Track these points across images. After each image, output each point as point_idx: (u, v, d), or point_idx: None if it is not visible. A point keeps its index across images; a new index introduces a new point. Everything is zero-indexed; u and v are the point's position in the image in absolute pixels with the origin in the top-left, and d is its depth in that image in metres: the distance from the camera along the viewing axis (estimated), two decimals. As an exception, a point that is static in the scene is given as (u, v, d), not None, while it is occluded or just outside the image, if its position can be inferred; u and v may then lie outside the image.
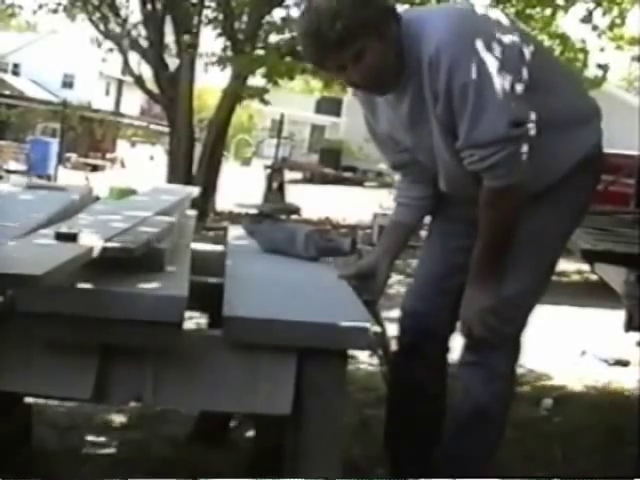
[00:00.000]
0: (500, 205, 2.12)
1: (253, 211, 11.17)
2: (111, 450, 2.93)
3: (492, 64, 2.03)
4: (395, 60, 2.10)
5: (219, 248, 2.83)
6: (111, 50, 14.32)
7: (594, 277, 5.03)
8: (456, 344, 2.45)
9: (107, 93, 38.40)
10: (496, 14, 2.19)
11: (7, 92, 29.29)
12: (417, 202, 2.43)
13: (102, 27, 13.97)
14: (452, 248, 2.25)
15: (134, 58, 14.38)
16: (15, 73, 36.52)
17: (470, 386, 2.30)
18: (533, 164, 2.09)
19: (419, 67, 2.08)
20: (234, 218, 11.65)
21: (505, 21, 2.18)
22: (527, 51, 2.14)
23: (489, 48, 2.05)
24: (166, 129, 16.12)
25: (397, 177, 2.54)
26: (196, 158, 13.20)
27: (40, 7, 14.30)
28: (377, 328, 1.90)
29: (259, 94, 12.72)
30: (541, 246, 2.27)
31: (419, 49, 2.08)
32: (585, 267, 4.62)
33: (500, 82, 2.03)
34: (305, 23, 2.08)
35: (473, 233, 2.18)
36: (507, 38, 2.10)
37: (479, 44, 2.04)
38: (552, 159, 2.18)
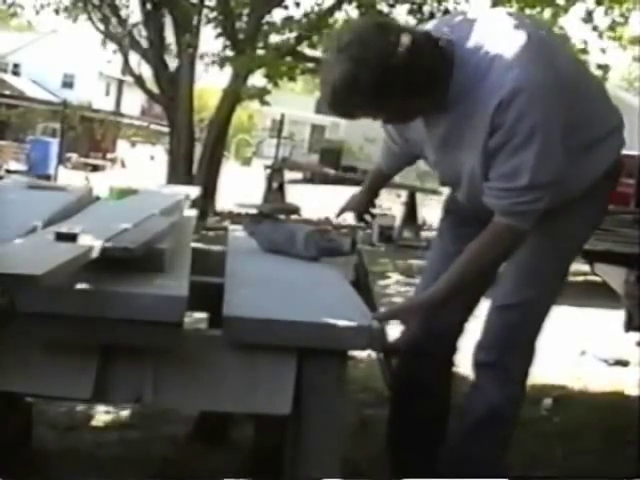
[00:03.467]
0: (508, 245, 2.11)
1: (253, 211, 11.16)
2: (111, 450, 2.93)
3: (557, 110, 2.02)
4: (432, 100, 2.04)
5: (219, 248, 2.83)
6: (115, 52, 14.32)
7: (594, 277, 5.02)
8: (464, 345, 2.45)
9: (107, 93, 38.38)
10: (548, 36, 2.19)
11: (7, 92, 29.27)
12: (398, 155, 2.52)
13: (102, 27, 13.98)
14: (463, 250, 2.24)
15: (134, 58, 14.39)
16: (15, 73, 36.50)
17: (484, 387, 2.30)
18: (565, 179, 2.08)
19: (474, 101, 2.02)
20: (234, 218, 11.64)
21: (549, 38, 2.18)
22: (568, 74, 2.11)
23: (555, 93, 2.02)
24: (166, 129, 16.12)
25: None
26: (196, 158, 13.20)
27: (42, 7, 14.32)
28: (376, 324, 1.90)
29: (260, 95, 12.72)
30: (563, 251, 2.30)
31: (481, 85, 2.01)
32: (585, 267, 4.61)
33: (559, 128, 2.03)
34: (343, 71, 1.92)
35: None
36: (561, 71, 2.07)
37: (552, 89, 2.01)
38: (584, 172, 2.19)
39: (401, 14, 12.47)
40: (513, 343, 2.28)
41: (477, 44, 2.05)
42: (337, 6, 12.54)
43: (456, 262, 2.12)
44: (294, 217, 3.00)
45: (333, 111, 2.02)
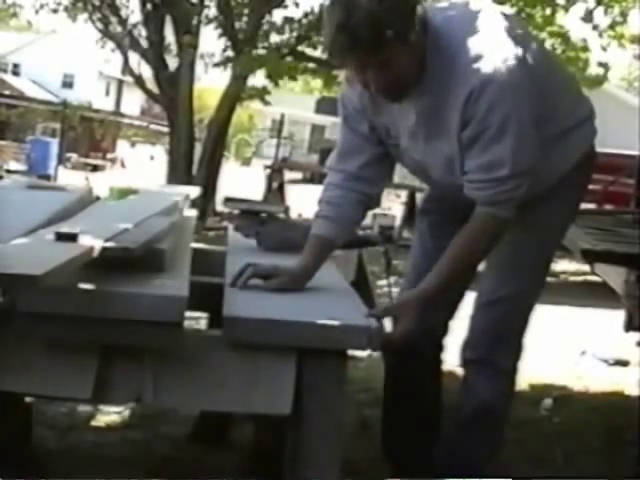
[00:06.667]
0: (493, 234, 2.13)
1: (240, 208, 11.13)
2: (111, 450, 2.93)
3: (527, 98, 2.04)
4: (416, 70, 2.06)
5: (219, 248, 2.83)
6: (113, 51, 14.32)
7: (594, 277, 5.03)
8: (450, 343, 2.46)
9: (107, 93, 38.40)
10: (514, 22, 2.19)
11: (7, 92, 29.28)
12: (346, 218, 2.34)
13: (102, 27, 13.98)
14: (445, 248, 2.24)
15: (134, 58, 14.39)
16: (15, 73, 36.53)
17: (474, 384, 2.30)
18: (536, 170, 2.10)
19: (445, 89, 2.04)
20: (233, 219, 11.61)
21: (520, 30, 2.18)
22: (539, 65, 2.12)
23: (527, 80, 2.04)
24: (166, 129, 16.12)
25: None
26: (196, 158, 13.19)
27: (41, 7, 14.32)
28: (375, 323, 1.90)
29: (260, 95, 12.71)
30: (542, 244, 2.32)
31: (451, 73, 2.03)
32: (585, 267, 4.62)
33: (531, 115, 2.04)
34: (339, 15, 1.93)
35: None
36: (531, 61, 2.09)
37: (522, 77, 2.02)
38: (554, 164, 2.21)
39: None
40: (500, 338, 2.28)
41: (449, 19, 2.09)
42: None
43: (445, 255, 2.12)
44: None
45: (334, 39, 1.97)
